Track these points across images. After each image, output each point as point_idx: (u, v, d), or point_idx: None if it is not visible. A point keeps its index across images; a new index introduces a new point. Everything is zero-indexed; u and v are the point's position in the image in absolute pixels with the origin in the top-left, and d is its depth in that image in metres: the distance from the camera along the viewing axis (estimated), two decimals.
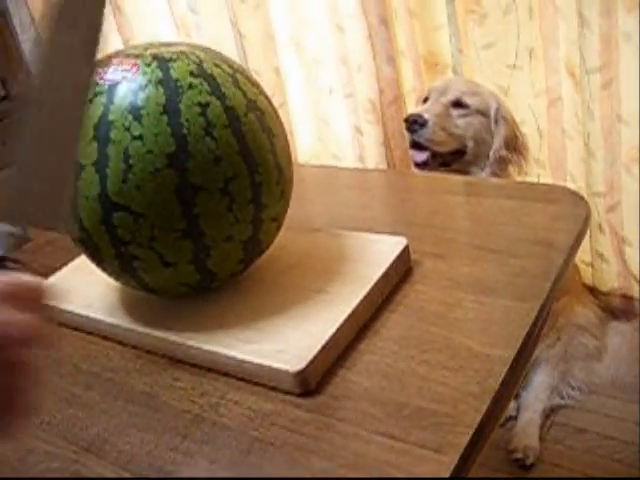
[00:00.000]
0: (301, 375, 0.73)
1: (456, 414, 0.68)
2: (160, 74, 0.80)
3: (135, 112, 0.78)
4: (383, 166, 2.15)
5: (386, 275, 0.87)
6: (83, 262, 1.03)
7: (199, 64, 0.82)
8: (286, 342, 0.78)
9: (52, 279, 1.02)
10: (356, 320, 0.81)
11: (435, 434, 0.66)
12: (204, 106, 0.79)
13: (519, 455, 1.68)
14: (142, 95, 0.79)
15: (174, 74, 0.80)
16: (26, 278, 0.53)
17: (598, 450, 1.69)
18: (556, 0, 1.77)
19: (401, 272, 0.91)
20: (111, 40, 2.51)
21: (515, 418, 1.82)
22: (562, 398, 1.86)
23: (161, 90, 0.79)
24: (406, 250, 0.92)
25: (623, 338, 1.99)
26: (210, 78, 0.81)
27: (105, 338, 0.92)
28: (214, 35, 2.24)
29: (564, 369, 1.90)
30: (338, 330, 0.78)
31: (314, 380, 0.75)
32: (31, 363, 0.52)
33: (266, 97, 0.89)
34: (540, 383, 1.87)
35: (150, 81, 0.80)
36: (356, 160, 2.23)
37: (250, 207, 0.82)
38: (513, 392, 0.77)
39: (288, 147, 0.91)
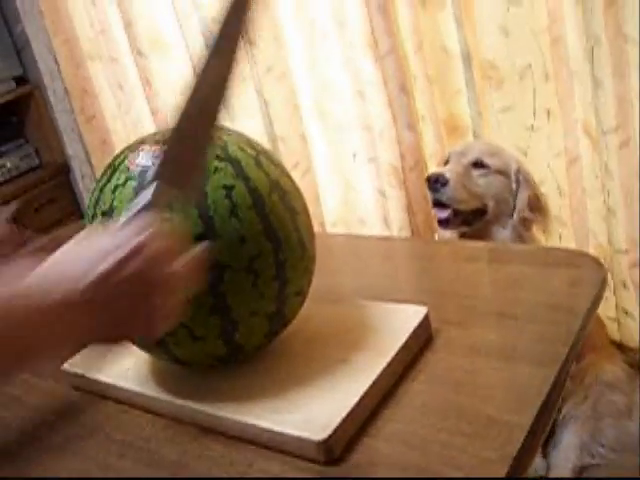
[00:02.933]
0: (325, 444, 0.76)
1: None
2: None
3: None
4: (407, 229, 2.18)
5: (407, 344, 0.90)
6: None
7: (224, 148, 0.86)
8: (311, 412, 0.80)
9: (85, 350, 1.06)
10: (378, 389, 0.84)
11: None
12: (229, 189, 0.83)
13: None
14: None
15: None
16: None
17: None
18: (570, 63, 1.82)
19: (422, 340, 0.94)
20: (140, 111, 2.60)
21: (545, 478, 1.81)
22: (592, 457, 1.85)
23: None
24: (426, 319, 0.95)
25: None
26: (235, 161, 0.85)
27: (137, 407, 0.95)
28: (240, 105, 2.31)
29: (594, 427, 1.89)
30: (361, 399, 0.81)
31: (338, 449, 0.77)
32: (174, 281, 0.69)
33: (288, 176, 0.93)
34: (569, 442, 1.86)
35: None
36: (382, 223, 2.27)
37: (275, 283, 0.85)
38: (533, 457, 0.79)
39: (310, 223, 0.94)
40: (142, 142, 0.91)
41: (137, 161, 0.87)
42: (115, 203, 0.86)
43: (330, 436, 0.76)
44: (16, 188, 3.04)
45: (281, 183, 0.89)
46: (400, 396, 0.85)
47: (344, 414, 0.78)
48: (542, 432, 0.80)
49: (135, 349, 0.99)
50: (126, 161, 0.89)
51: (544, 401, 0.80)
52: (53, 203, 3.20)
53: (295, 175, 2.19)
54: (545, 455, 1.88)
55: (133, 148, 0.90)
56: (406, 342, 0.89)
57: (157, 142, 0.89)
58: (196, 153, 0.76)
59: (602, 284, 1.03)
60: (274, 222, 0.85)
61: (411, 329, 0.91)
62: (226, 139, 0.88)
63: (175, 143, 0.76)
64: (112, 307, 0.67)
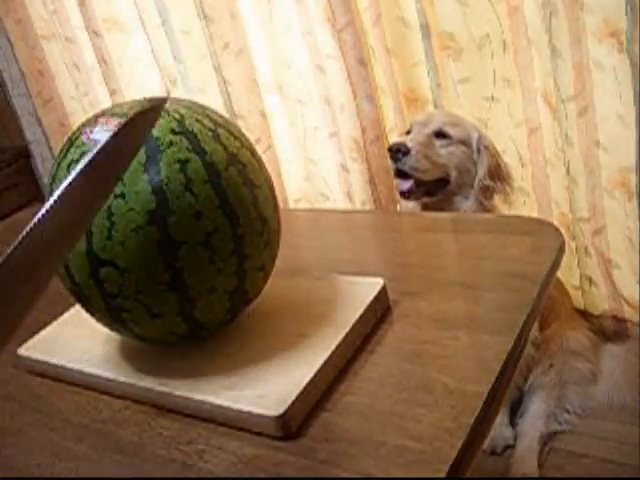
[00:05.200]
0: (281, 419, 0.75)
1: (432, 451, 0.70)
2: None
3: None
4: (370, 203, 2.18)
5: (364, 317, 0.89)
6: (73, 316, 1.06)
7: (180, 121, 0.84)
8: (267, 387, 0.80)
9: (43, 333, 1.05)
10: (335, 362, 0.84)
11: (412, 471, 0.68)
12: (184, 163, 0.81)
13: None
14: None
15: (155, 132, 0.82)
16: None
17: (597, 474, 1.70)
18: (528, 32, 1.82)
19: (379, 312, 0.93)
20: (98, 91, 2.56)
21: (513, 447, 1.83)
22: (559, 424, 1.87)
23: (142, 149, 0.81)
24: (383, 291, 0.94)
25: (617, 360, 2.01)
26: (190, 134, 0.83)
27: (94, 390, 0.93)
28: (199, 82, 2.28)
29: (559, 394, 1.92)
30: (317, 373, 0.80)
31: (295, 423, 0.77)
32: None
33: (249, 149, 0.90)
34: (536, 410, 1.89)
35: None
36: (344, 197, 2.27)
37: (233, 259, 0.83)
38: (491, 425, 0.79)
39: (274, 197, 0.92)
40: (100, 115, 0.89)
41: (92, 135, 0.85)
42: None
43: (286, 411, 0.75)
44: None
45: (240, 156, 0.86)
46: (357, 369, 0.85)
47: (300, 388, 0.78)
48: (500, 400, 0.80)
49: (91, 330, 0.98)
50: (82, 135, 0.87)
51: (501, 369, 0.80)
52: (14, 188, 3.16)
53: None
54: (513, 424, 1.90)
55: (90, 122, 0.88)
56: (363, 314, 0.89)
57: (114, 115, 0.87)
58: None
59: (560, 251, 1.03)
60: (231, 196, 0.83)
61: (368, 301, 0.91)
62: (183, 112, 0.86)
63: None
64: None
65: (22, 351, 1.02)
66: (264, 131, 2.32)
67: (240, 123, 2.28)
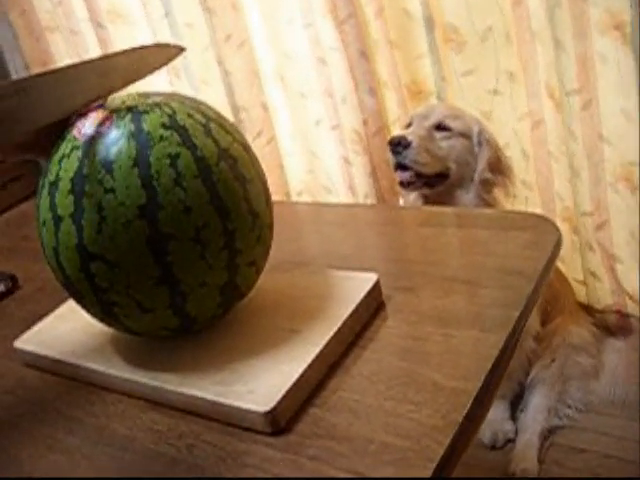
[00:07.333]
0: (270, 415, 0.75)
1: (420, 448, 0.70)
2: (132, 127, 0.82)
3: (107, 166, 0.80)
4: (372, 196, 2.18)
5: (356, 312, 0.89)
6: (67, 309, 1.06)
7: (171, 115, 0.84)
8: (257, 382, 0.80)
9: (39, 326, 1.05)
10: (326, 358, 0.83)
11: (398, 469, 0.68)
12: (174, 157, 0.81)
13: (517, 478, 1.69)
14: (114, 149, 0.81)
15: (146, 127, 0.82)
16: None
17: (598, 469, 1.69)
18: (532, 25, 1.81)
19: (372, 308, 0.93)
20: None
21: (514, 441, 1.83)
22: (560, 418, 1.87)
23: (132, 143, 0.81)
24: (377, 286, 0.94)
25: (619, 355, 2.00)
26: (181, 129, 0.83)
27: (87, 383, 0.94)
28: (202, 74, 2.28)
29: (561, 389, 1.91)
30: (307, 369, 0.80)
31: (284, 419, 0.77)
32: None
33: (241, 143, 0.90)
34: (537, 405, 1.88)
35: (122, 135, 0.82)
36: (347, 190, 2.26)
37: (224, 254, 0.83)
38: (480, 423, 0.78)
39: (266, 191, 0.92)
40: (92, 108, 0.89)
41: (83, 130, 0.85)
42: (61, 173, 0.84)
43: (275, 407, 0.75)
44: None
45: (231, 151, 0.86)
46: (348, 365, 0.85)
47: (289, 384, 0.77)
48: (490, 398, 0.79)
49: (85, 323, 0.98)
50: (74, 130, 0.86)
51: (492, 366, 0.79)
52: (19, 180, 3.17)
53: (259, 144, 2.19)
54: (514, 419, 1.90)
55: (83, 115, 0.88)
56: (355, 310, 0.89)
57: (106, 109, 0.87)
58: None
59: (556, 247, 1.02)
60: (221, 191, 0.83)
61: (360, 297, 0.90)
62: (176, 107, 0.86)
63: None
64: None
65: (18, 344, 1.02)
66: (266, 124, 2.32)
67: (242, 115, 2.28)
